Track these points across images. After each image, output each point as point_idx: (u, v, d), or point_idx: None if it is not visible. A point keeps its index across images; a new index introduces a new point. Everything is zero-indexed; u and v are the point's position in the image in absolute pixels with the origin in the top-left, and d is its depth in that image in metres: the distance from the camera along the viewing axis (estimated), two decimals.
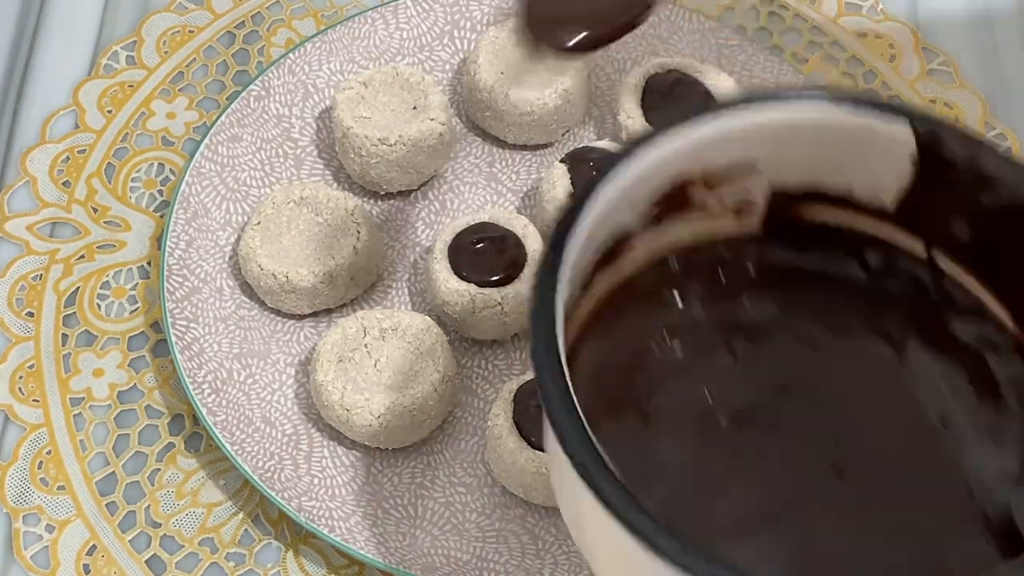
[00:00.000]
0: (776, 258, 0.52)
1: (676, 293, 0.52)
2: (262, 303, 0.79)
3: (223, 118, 0.83)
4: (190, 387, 0.74)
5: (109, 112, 0.88)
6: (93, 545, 0.73)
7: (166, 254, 0.78)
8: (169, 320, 0.76)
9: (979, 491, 0.48)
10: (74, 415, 0.77)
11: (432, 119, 0.81)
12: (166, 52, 0.90)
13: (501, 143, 0.86)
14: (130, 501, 0.75)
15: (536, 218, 0.81)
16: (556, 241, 0.46)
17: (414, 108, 0.82)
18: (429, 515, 0.73)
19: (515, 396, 0.73)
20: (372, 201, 0.83)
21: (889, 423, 0.50)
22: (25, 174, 0.85)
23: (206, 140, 0.82)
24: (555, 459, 0.44)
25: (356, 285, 0.78)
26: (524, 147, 0.86)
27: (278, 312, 0.79)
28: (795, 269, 0.52)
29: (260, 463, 0.73)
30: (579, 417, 0.42)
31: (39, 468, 0.75)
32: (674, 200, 0.50)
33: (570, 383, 0.43)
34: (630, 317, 0.50)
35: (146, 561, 0.73)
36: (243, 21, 0.92)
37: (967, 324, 0.51)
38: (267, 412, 0.76)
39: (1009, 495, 0.47)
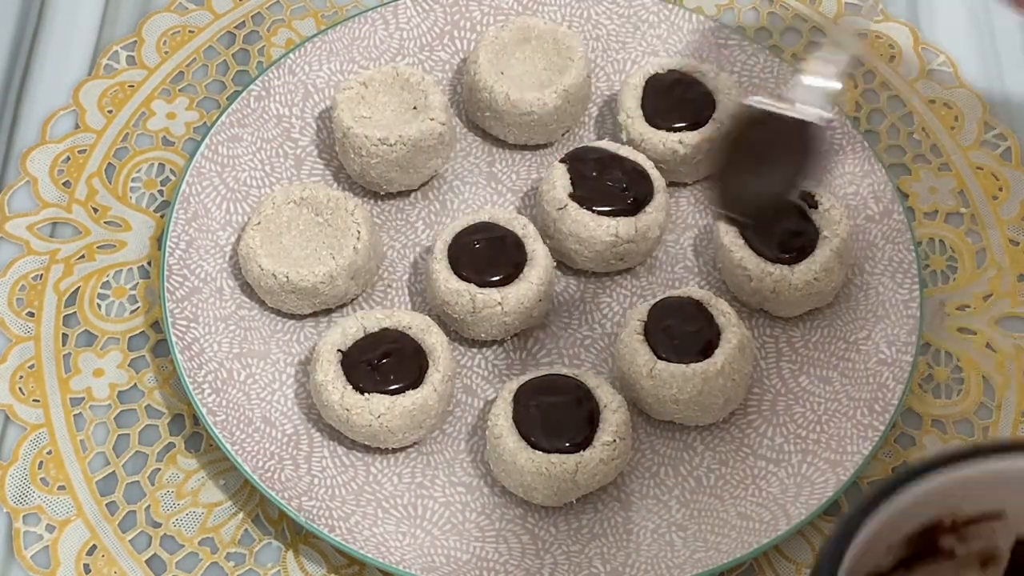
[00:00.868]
0: None
1: None
2: (262, 303, 0.79)
3: (223, 118, 0.83)
4: (190, 387, 0.74)
5: (109, 112, 0.88)
6: (93, 545, 0.73)
7: (166, 254, 0.78)
8: (169, 320, 0.76)
9: None
10: (74, 415, 0.77)
11: (432, 119, 0.81)
12: (166, 52, 0.90)
13: (501, 143, 0.86)
14: (130, 501, 0.75)
15: (536, 218, 0.81)
16: (830, 562, 0.45)
17: (414, 108, 0.82)
18: (429, 515, 0.73)
19: (515, 396, 0.73)
20: (372, 201, 0.84)
21: None
22: (25, 174, 0.85)
23: (206, 140, 0.82)
24: None
25: (356, 285, 0.78)
26: (524, 147, 0.86)
27: (278, 312, 0.79)
28: None
29: (260, 463, 0.73)
30: None
31: (39, 468, 0.75)
32: (923, 545, 0.50)
33: None
34: None
35: (146, 561, 0.73)
36: (243, 21, 0.92)
37: None
38: (267, 412, 0.76)
39: None
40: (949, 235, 0.84)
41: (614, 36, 0.88)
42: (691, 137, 0.81)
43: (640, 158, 0.80)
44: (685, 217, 0.83)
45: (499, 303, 0.75)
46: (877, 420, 0.74)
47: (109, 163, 0.86)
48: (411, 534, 0.72)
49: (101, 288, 0.81)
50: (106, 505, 0.74)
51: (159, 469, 0.76)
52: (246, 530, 0.74)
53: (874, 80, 0.90)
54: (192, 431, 0.77)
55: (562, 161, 0.80)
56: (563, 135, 0.86)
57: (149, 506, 0.74)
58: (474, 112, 0.85)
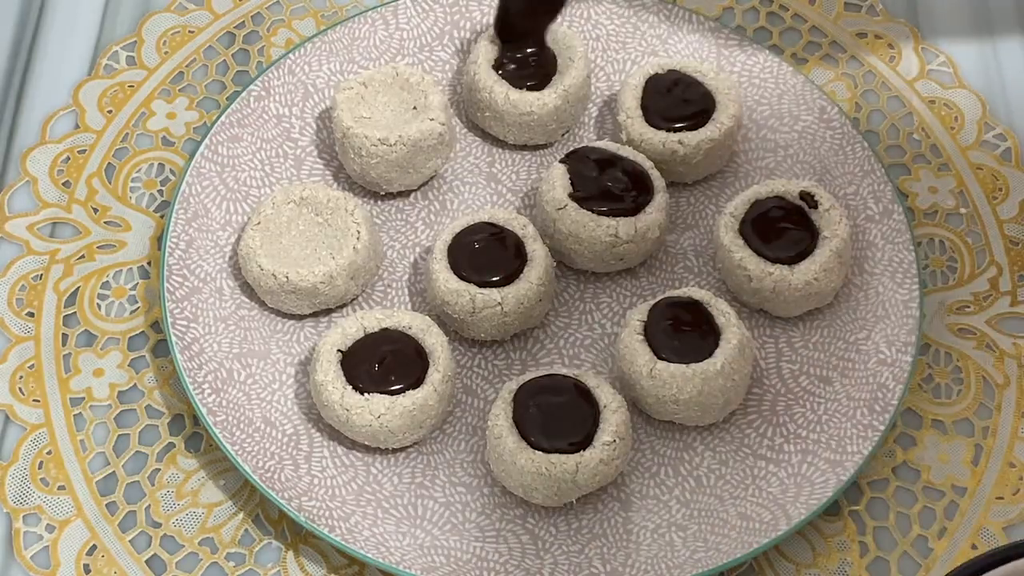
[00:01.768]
0: None
1: None
2: (262, 303, 0.79)
3: (223, 118, 0.83)
4: (190, 387, 0.74)
5: (109, 112, 0.88)
6: (93, 545, 0.73)
7: (166, 254, 0.78)
8: (169, 320, 0.76)
9: None
10: (74, 415, 0.77)
11: (432, 119, 0.81)
12: (166, 52, 0.90)
13: (501, 143, 0.86)
14: (130, 501, 0.75)
15: (536, 218, 0.81)
16: None
17: (414, 108, 0.82)
18: (429, 515, 0.73)
19: (515, 396, 0.73)
20: (372, 201, 0.84)
21: None
22: (25, 174, 0.85)
23: (206, 140, 0.82)
24: None
25: (356, 285, 0.78)
26: (524, 147, 0.86)
27: (278, 312, 0.79)
28: None
29: (260, 463, 0.73)
30: None
31: (39, 468, 0.75)
32: None
33: None
34: None
35: (146, 561, 0.73)
36: (243, 21, 0.92)
37: None
38: (267, 412, 0.76)
39: None
40: (949, 235, 0.84)
41: (614, 36, 0.88)
42: (691, 137, 0.81)
43: (640, 158, 0.80)
44: (685, 217, 0.83)
45: (499, 303, 0.75)
46: (877, 420, 0.74)
47: (109, 163, 0.86)
48: (411, 534, 0.72)
49: (101, 288, 0.81)
50: (106, 505, 0.74)
51: (159, 469, 0.76)
52: (246, 530, 0.74)
53: (874, 80, 0.90)
54: (192, 431, 0.77)
55: (562, 161, 0.80)
56: (563, 135, 0.86)
57: (149, 506, 0.74)
58: (474, 112, 0.85)
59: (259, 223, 0.78)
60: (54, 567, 0.73)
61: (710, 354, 0.73)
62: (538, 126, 0.83)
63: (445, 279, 0.76)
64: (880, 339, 0.77)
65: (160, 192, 0.85)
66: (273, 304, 0.78)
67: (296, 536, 0.74)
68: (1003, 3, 0.94)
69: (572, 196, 0.78)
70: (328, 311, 0.80)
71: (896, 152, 0.87)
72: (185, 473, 0.76)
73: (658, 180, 0.80)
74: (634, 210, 0.78)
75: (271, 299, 0.78)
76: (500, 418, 0.72)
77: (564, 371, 0.74)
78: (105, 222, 0.83)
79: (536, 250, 0.77)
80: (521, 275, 0.76)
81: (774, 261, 0.77)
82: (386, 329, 0.75)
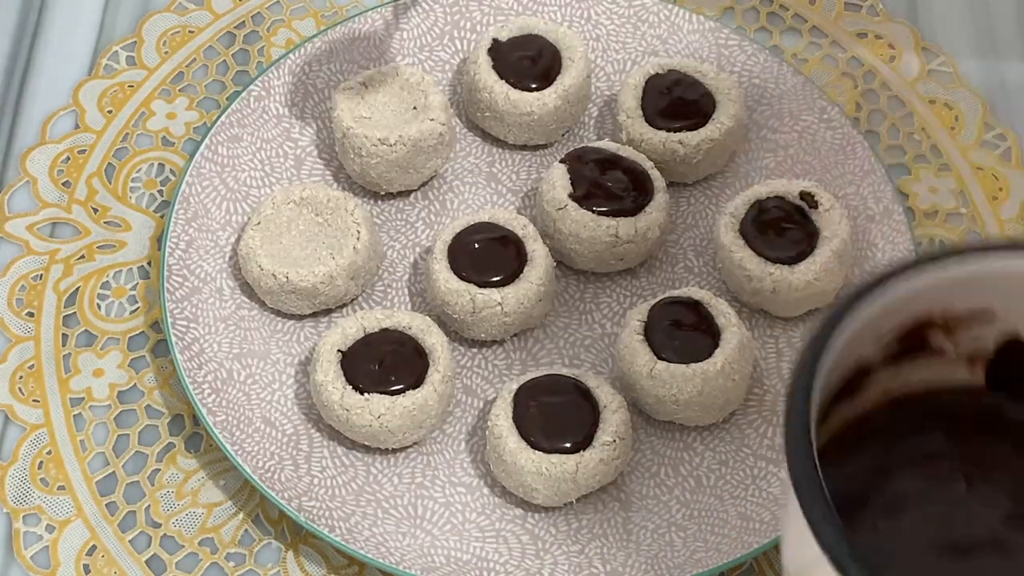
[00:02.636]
0: (1008, 410, 0.52)
1: (911, 433, 0.52)
2: (262, 303, 0.79)
3: (223, 118, 0.83)
4: (190, 387, 0.74)
5: (109, 112, 0.88)
6: (93, 545, 0.73)
7: (166, 254, 0.78)
8: (169, 320, 0.76)
9: None
10: (74, 415, 0.77)
11: (432, 119, 0.81)
12: (166, 52, 0.90)
13: (501, 143, 0.86)
14: (130, 501, 0.75)
15: (536, 218, 0.81)
16: (814, 350, 0.46)
17: (414, 108, 0.82)
18: (429, 515, 0.73)
19: (515, 396, 0.73)
20: (372, 201, 0.84)
21: None
22: (25, 174, 0.85)
23: (206, 140, 0.82)
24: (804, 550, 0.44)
25: (356, 285, 0.78)
26: (524, 147, 0.86)
27: (278, 312, 0.79)
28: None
29: (260, 463, 0.73)
30: (836, 518, 0.43)
31: (39, 468, 0.75)
32: (913, 341, 0.51)
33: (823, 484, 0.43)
34: (864, 452, 0.51)
35: (146, 561, 0.73)
36: (243, 21, 0.92)
37: None
38: (267, 412, 0.76)
39: None
40: (949, 235, 0.84)
41: (614, 36, 0.88)
42: (691, 137, 0.81)
43: (640, 158, 0.80)
44: (685, 217, 0.83)
45: (499, 303, 0.75)
46: None
47: (109, 163, 0.86)
48: (411, 534, 0.72)
49: (101, 288, 0.81)
50: (106, 505, 0.74)
51: (159, 469, 0.76)
52: (246, 530, 0.74)
53: (874, 80, 0.90)
54: (192, 431, 0.77)
55: (562, 161, 0.80)
56: (563, 135, 0.86)
57: (149, 506, 0.74)
58: (474, 112, 0.85)
59: (259, 223, 0.78)
60: (54, 567, 0.73)
61: (710, 354, 0.73)
62: (538, 126, 0.83)
63: (445, 279, 0.76)
64: None
65: (160, 192, 0.85)
66: (273, 304, 0.78)
67: (296, 536, 0.74)
68: (1003, 3, 0.94)
69: (572, 196, 0.78)
70: (328, 311, 0.79)
71: (896, 152, 0.87)
72: (185, 473, 0.76)
73: (658, 180, 0.80)
74: (634, 210, 0.78)
75: (271, 299, 0.78)
76: (500, 418, 0.72)
77: (564, 371, 0.74)
78: (105, 222, 0.83)
79: (536, 250, 0.77)
80: (521, 275, 0.76)
81: (774, 261, 0.77)
82: (386, 329, 0.75)
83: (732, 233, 0.78)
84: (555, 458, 0.71)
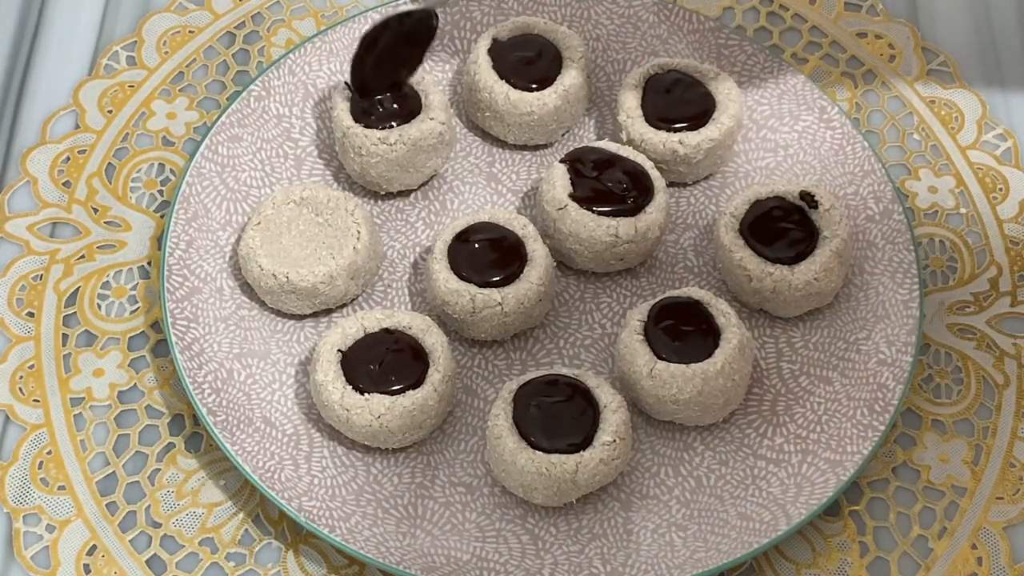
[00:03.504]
0: None
1: None
2: (262, 303, 0.79)
3: (223, 118, 0.83)
4: (190, 387, 0.74)
5: (109, 112, 0.88)
6: (93, 545, 0.73)
7: (166, 254, 0.78)
8: (169, 320, 0.76)
9: None
10: (74, 415, 0.77)
11: (432, 119, 0.81)
12: (166, 52, 0.90)
13: (501, 143, 0.86)
14: (130, 501, 0.75)
15: (536, 218, 0.81)
16: None
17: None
18: (429, 515, 0.73)
19: (515, 396, 0.73)
20: (372, 201, 0.84)
21: None
22: (25, 174, 0.85)
23: (206, 140, 0.82)
24: None
25: (356, 285, 0.78)
26: (524, 147, 0.86)
27: (278, 312, 0.79)
28: None
29: (260, 463, 0.73)
30: None
31: (39, 468, 0.75)
32: None
33: None
34: None
35: (146, 561, 0.73)
36: (243, 21, 0.92)
37: None
38: (267, 412, 0.76)
39: None
40: (949, 235, 0.84)
41: (614, 36, 0.88)
42: (691, 137, 0.81)
43: (640, 158, 0.80)
44: (685, 217, 0.83)
45: (499, 303, 0.75)
46: (877, 420, 0.74)
47: (109, 163, 0.86)
48: (411, 534, 0.72)
49: (101, 288, 0.81)
50: (106, 505, 0.74)
51: (159, 469, 0.76)
52: (246, 530, 0.74)
53: (874, 80, 0.90)
54: (192, 431, 0.77)
55: (562, 161, 0.80)
56: (563, 135, 0.86)
57: (149, 506, 0.74)
58: (474, 112, 0.85)
59: (259, 223, 0.78)
60: (54, 567, 0.73)
61: (710, 354, 0.73)
62: (538, 126, 0.83)
63: (445, 279, 0.76)
64: (880, 339, 0.77)
65: (160, 192, 0.85)
66: (273, 304, 0.78)
67: (296, 536, 0.74)
68: (1003, 3, 0.94)
69: (572, 196, 0.78)
70: (328, 311, 0.80)
71: (896, 152, 0.87)
72: (185, 473, 0.76)
73: (658, 180, 0.80)
74: (634, 210, 0.78)
75: (271, 299, 0.78)
76: (500, 418, 0.72)
77: (564, 371, 0.74)
78: (105, 222, 0.84)
79: (536, 250, 0.77)
80: (521, 275, 0.76)
81: (774, 261, 0.77)
82: (386, 329, 0.75)
83: (732, 233, 0.78)
84: (555, 458, 0.71)
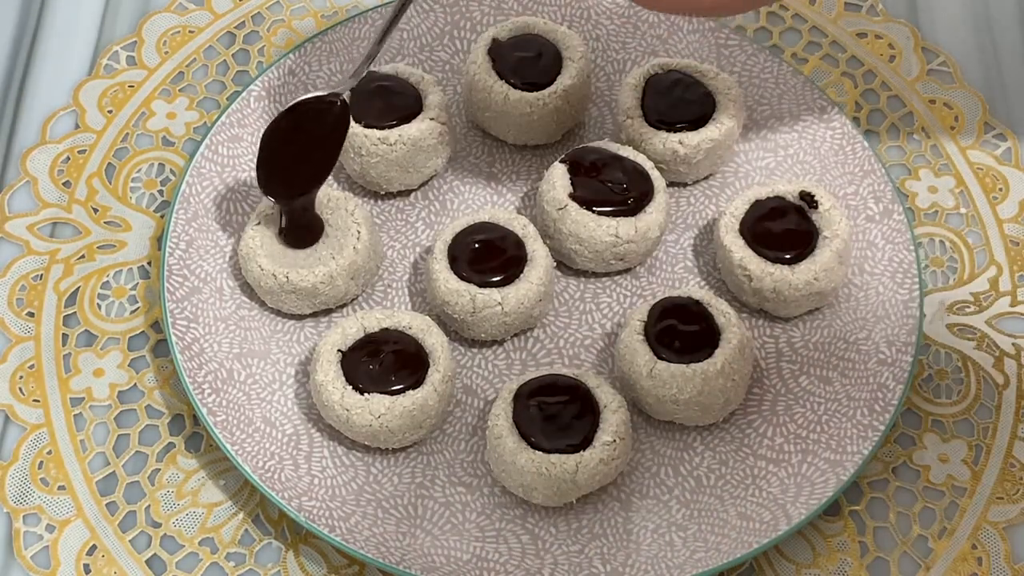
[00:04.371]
0: None
1: None
2: (262, 303, 0.79)
3: (223, 118, 0.83)
4: (190, 387, 0.74)
5: (109, 112, 0.88)
6: (93, 545, 0.73)
7: (166, 254, 0.78)
8: (169, 320, 0.76)
9: None
10: (74, 415, 0.77)
11: (432, 119, 0.81)
12: (166, 52, 0.90)
13: (501, 143, 0.86)
14: (130, 501, 0.75)
15: (536, 218, 0.81)
16: None
17: None
18: (429, 515, 0.73)
19: (515, 396, 0.73)
20: (372, 201, 0.84)
21: None
22: (25, 174, 0.85)
23: (206, 140, 0.82)
24: None
25: (356, 285, 0.78)
26: (524, 147, 0.86)
27: (278, 312, 0.79)
28: None
29: (260, 463, 0.73)
30: None
31: (39, 468, 0.75)
32: None
33: None
34: None
35: (146, 561, 0.73)
36: (243, 21, 0.92)
37: None
38: (267, 412, 0.76)
39: None
40: (949, 235, 0.84)
41: (614, 36, 0.88)
42: (691, 137, 0.81)
43: (640, 158, 0.80)
44: (685, 217, 0.83)
45: (499, 303, 0.76)
46: (877, 420, 0.74)
47: (109, 163, 0.86)
48: (411, 534, 0.72)
49: (101, 288, 0.81)
50: (106, 505, 0.74)
51: (159, 469, 0.76)
52: (246, 530, 0.74)
53: (874, 80, 0.90)
54: (192, 431, 0.77)
55: (562, 161, 0.80)
56: (563, 135, 0.86)
57: (149, 506, 0.74)
58: (474, 112, 0.85)
59: (259, 223, 0.78)
60: (54, 567, 0.73)
61: (710, 354, 0.73)
62: (538, 126, 0.83)
63: (445, 279, 0.76)
64: (880, 339, 0.77)
65: (160, 192, 0.85)
66: (273, 304, 0.78)
67: (296, 536, 0.74)
68: (1003, 3, 0.94)
69: (572, 196, 0.78)
70: (328, 311, 0.80)
71: (896, 152, 0.87)
72: (185, 473, 0.76)
73: (658, 180, 0.80)
74: (634, 210, 0.78)
75: (271, 299, 0.78)
76: (500, 418, 0.72)
77: (564, 371, 0.74)
78: (105, 222, 0.84)
79: (536, 250, 0.77)
80: (521, 275, 0.76)
81: (774, 261, 0.77)
82: (386, 329, 0.75)
83: (732, 233, 0.78)
84: (555, 458, 0.71)
